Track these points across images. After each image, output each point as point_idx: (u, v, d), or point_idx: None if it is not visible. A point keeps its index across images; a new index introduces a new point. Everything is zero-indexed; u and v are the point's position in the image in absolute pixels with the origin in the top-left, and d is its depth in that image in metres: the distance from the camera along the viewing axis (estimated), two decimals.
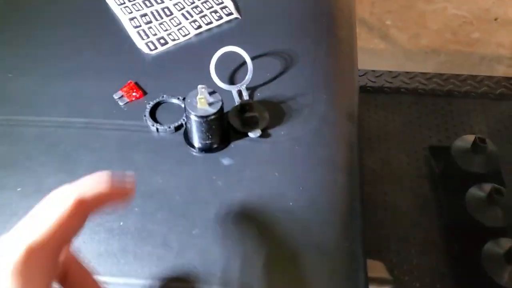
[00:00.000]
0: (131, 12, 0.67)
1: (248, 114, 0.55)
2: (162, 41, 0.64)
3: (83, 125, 0.57)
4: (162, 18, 0.67)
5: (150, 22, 0.66)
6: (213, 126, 0.52)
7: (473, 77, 1.38)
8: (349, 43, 0.70)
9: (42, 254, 0.28)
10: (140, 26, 0.66)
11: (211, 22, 0.66)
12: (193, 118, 0.51)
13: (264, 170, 0.53)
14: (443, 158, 1.16)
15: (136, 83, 0.60)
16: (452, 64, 1.68)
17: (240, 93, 0.59)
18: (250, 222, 0.50)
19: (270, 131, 0.56)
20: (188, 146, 0.55)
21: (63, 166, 0.54)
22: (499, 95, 1.32)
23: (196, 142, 0.54)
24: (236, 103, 0.58)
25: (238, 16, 0.67)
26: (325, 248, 0.50)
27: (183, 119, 0.55)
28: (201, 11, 0.67)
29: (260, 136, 0.55)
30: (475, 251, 0.98)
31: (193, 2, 0.68)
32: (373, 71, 1.39)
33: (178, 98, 0.57)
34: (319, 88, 0.62)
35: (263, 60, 0.63)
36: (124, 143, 0.55)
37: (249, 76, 0.58)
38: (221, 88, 0.58)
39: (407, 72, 1.40)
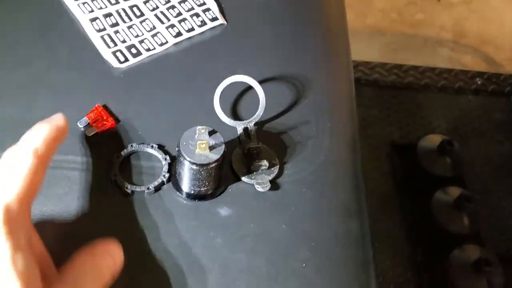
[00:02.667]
0: (92, 11, 0.54)
1: (257, 163, 0.46)
2: (133, 50, 0.52)
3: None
4: (131, 19, 0.55)
5: (117, 24, 0.54)
6: (213, 174, 0.42)
7: (432, 69, 1.36)
8: (346, 54, 0.62)
9: (20, 210, 0.31)
10: (105, 29, 0.53)
11: (192, 29, 0.55)
12: (189, 165, 0.41)
13: (270, 222, 0.45)
14: (406, 157, 1.13)
15: (105, 107, 0.48)
16: (396, 45, 1.66)
17: (245, 129, 0.49)
18: None
19: (273, 169, 0.48)
20: (176, 192, 0.45)
21: None
22: (458, 89, 1.30)
23: (187, 189, 0.44)
24: (240, 140, 0.48)
25: (224, 22, 0.57)
26: None
27: (163, 176, 0.45)
28: (179, 14, 0.56)
29: (270, 189, 0.46)
30: (441, 258, 0.97)
31: (168, 1, 0.56)
32: None
33: (152, 147, 0.46)
34: (322, 114, 0.53)
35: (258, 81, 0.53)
36: (94, 190, 0.44)
37: (260, 111, 0.48)
38: (222, 123, 0.48)
39: (367, 62, 1.35)
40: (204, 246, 0.43)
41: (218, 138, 0.42)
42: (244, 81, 0.48)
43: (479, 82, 1.32)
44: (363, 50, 1.55)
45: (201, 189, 0.44)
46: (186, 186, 0.44)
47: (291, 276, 0.43)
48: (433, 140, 1.08)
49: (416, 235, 1.04)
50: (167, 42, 0.54)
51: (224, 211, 0.45)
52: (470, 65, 1.62)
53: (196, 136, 0.41)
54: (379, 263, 1.03)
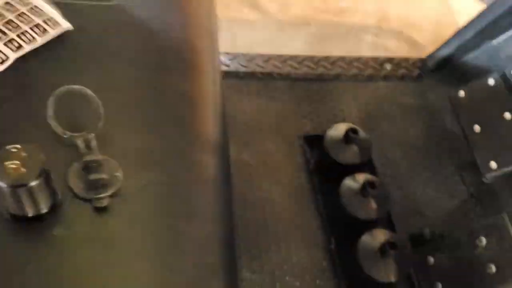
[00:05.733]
0: None
1: (94, 176, 0.44)
2: None
3: None
4: None
5: None
6: (35, 195, 0.41)
7: (343, 58, 1.37)
8: (212, 54, 0.62)
9: None
10: None
11: (34, 39, 0.53)
12: (3, 188, 0.39)
13: (113, 237, 0.44)
14: (316, 148, 1.14)
15: None
16: (322, 35, 1.68)
17: (87, 142, 0.47)
18: None
19: (114, 181, 0.46)
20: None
21: None
22: (368, 76, 1.32)
23: (13, 211, 0.42)
24: (78, 154, 0.46)
25: (70, 27, 0.55)
26: None
27: None
28: (17, 26, 0.53)
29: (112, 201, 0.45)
30: (350, 245, 0.98)
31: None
32: (244, 54, 1.32)
33: None
34: (177, 119, 0.53)
35: (110, 92, 0.51)
36: None
37: (99, 123, 0.47)
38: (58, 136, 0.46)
39: (279, 56, 1.35)
40: (37, 269, 0.41)
41: (37, 155, 0.40)
42: (77, 91, 0.47)
43: (388, 68, 1.35)
44: (289, 41, 1.56)
45: (28, 210, 0.42)
46: (12, 210, 0.42)
47: None
48: (340, 129, 1.08)
49: (329, 224, 1.05)
50: (7, 58, 0.51)
51: (57, 230, 0.43)
52: (394, 49, 1.65)
53: (5, 156, 0.39)
54: (294, 254, 1.04)
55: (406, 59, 1.40)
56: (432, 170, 1.17)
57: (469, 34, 1.16)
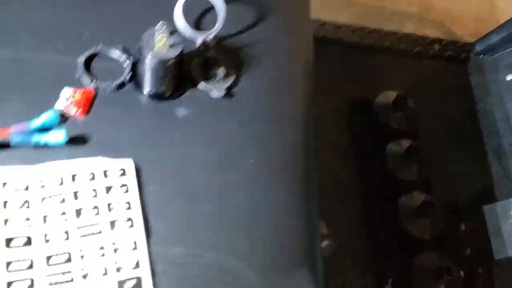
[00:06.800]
0: None
1: (214, 71, 0.50)
2: None
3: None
4: None
5: None
6: (170, 72, 0.46)
7: (394, 33, 1.41)
8: None
9: None
10: None
11: None
12: (149, 60, 0.45)
13: (223, 123, 0.49)
14: (362, 113, 1.18)
15: None
16: (365, 17, 1.72)
17: (205, 42, 0.52)
18: (209, 181, 0.46)
19: (229, 78, 0.51)
20: (138, 91, 0.48)
21: None
22: (416, 53, 1.36)
23: (148, 88, 0.48)
24: (199, 51, 0.51)
25: None
26: (284, 210, 0.48)
27: (126, 74, 0.48)
28: None
29: (223, 96, 0.50)
30: (390, 204, 1.03)
31: None
32: None
33: (117, 48, 0.49)
34: (279, 34, 0.57)
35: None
36: (58, 84, 0.47)
37: (220, 23, 0.52)
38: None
39: (333, 22, 1.39)
40: (162, 140, 0.47)
41: (178, 38, 0.46)
42: None
43: (436, 48, 1.39)
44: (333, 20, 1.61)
45: (160, 88, 0.47)
46: (146, 84, 0.47)
47: (240, 171, 0.47)
48: (389, 96, 1.13)
49: (369, 184, 1.10)
50: None
51: (181, 111, 0.49)
52: None
53: (156, 33, 0.44)
54: (332, 212, 1.09)
55: (454, 42, 1.44)
56: (470, 148, 1.22)
57: None
